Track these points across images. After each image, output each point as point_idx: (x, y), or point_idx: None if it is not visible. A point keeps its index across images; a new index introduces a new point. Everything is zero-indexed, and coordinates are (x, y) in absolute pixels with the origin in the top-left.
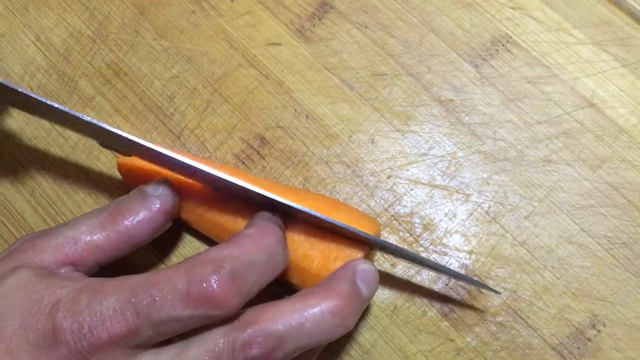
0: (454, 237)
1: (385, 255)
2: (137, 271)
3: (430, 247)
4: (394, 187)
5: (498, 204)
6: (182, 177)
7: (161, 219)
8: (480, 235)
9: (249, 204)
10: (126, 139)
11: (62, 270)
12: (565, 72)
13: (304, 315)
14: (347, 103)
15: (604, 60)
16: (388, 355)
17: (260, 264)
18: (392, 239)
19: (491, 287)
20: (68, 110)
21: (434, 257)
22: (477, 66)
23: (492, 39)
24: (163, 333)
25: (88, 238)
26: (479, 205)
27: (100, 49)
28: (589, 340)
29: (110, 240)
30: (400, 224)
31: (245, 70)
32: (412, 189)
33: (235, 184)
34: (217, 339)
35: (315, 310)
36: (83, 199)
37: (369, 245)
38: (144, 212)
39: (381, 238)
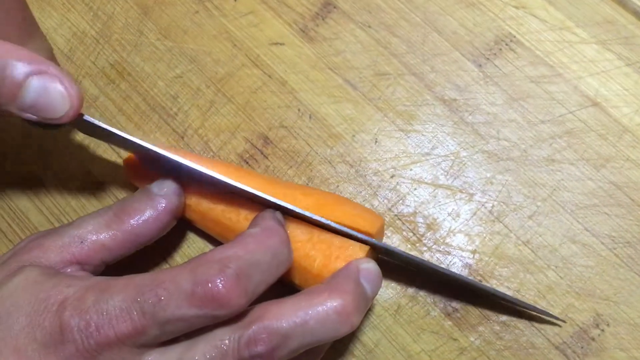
0: (458, 236)
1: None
2: (141, 270)
3: (433, 247)
4: (397, 186)
5: (501, 204)
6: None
7: (167, 218)
8: (484, 235)
9: (253, 203)
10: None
11: (69, 270)
12: (569, 71)
13: (309, 313)
14: (350, 103)
15: (608, 59)
16: (391, 354)
17: (264, 264)
18: (395, 239)
19: (545, 311)
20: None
21: (437, 257)
22: (480, 65)
23: (496, 38)
24: (169, 332)
25: (94, 237)
26: (483, 205)
27: (104, 49)
28: (593, 339)
29: (116, 239)
30: (403, 223)
31: (249, 70)
32: (415, 189)
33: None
34: (222, 336)
35: (320, 308)
36: (87, 199)
37: (370, 246)
38: (149, 211)
39: (384, 236)
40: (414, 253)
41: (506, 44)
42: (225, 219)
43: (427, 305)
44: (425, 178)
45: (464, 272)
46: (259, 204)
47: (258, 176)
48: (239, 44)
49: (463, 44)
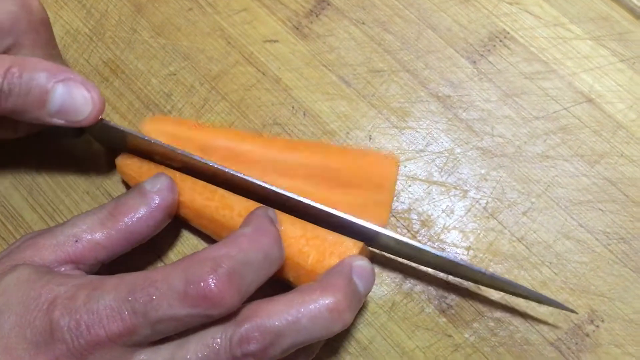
0: (452, 233)
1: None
2: (135, 269)
3: (428, 244)
4: None
5: (496, 200)
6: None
7: (161, 215)
8: (478, 232)
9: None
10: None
11: (63, 269)
12: (563, 68)
13: (301, 311)
14: (344, 100)
15: (602, 55)
16: (386, 351)
17: (257, 263)
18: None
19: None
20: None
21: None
22: (474, 62)
23: (490, 35)
24: (160, 332)
25: (89, 236)
26: (477, 202)
27: (97, 46)
28: (587, 335)
29: (111, 238)
30: (398, 220)
31: (243, 67)
32: (409, 185)
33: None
34: (214, 334)
35: (312, 306)
36: (81, 197)
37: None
38: (143, 209)
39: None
40: None
41: (500, 41)
42: (219, 216)
43: (422, 302)
44: (420, 175)
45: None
46: (254, 198)
47: (267, 140)
48: (233, 42)
49: (457, 41)
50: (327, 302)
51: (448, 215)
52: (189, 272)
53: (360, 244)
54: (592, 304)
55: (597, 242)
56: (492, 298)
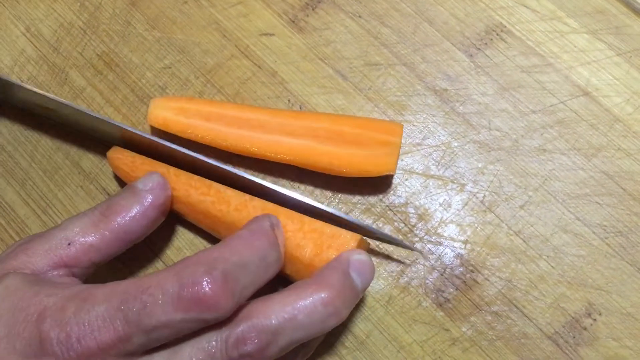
0: (449, 226)
1: (381, 245)
2: (130, 267)
3: (425, 237)
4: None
5: (493, 194)
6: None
7: (154, 213)
8: (476, 225)
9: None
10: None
11: (56, 273)
12: (560, 61)
13: (297, 308)
14: (341, 93)
15: (599, 49)
16: (383, 345)
17: (252, 265)
18: (386, 229)
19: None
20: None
21: (429, 247)
22: (471, 55)
23: (487, 28)
24: (155, 339)
25: (82, 238)
26: (474, 195)
27: (91, 39)
28: (585, 329)
29: (104, 239)
30: (395, 214)
31: (238, 60)
32: (406, 179)
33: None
34: (209, 337)
35: (307, 302)
36: (74, 191)
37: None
38: (136, 208)
39: (376, 225)
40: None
41: (497, 34)
42: (216, 211)
43: (419, 296)
44: (417, 168)
45: (455, 263)
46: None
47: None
48: (229, 35)
49: (454, 34)
50: (321, 296)
51: (445, 209)
52: (182, 276)
53: (358, 236)
54: (589, 297)
55: (595, 236)
56: (490, 292)
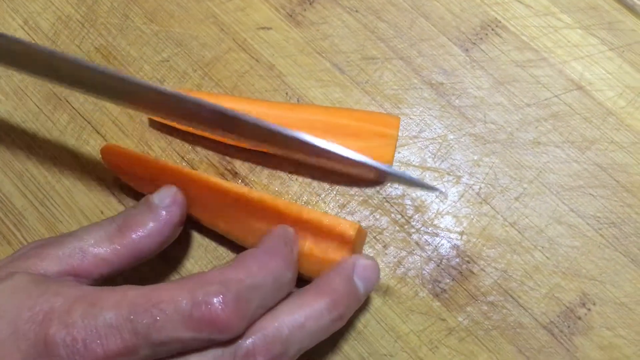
0: (445, 218)
1: (377, 237)
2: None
3: (421, 229)
4: None
5: (489, 186)
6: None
7: (169, 231)
8: (471, 217)
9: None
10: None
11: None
12: (554, 56)
13: (304, 316)
14: (338, 87)
15: (592, 44)
16: (380, 335)
17: (265, 287)
18: (383, 221)
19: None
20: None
21: (425, 239)
22: (467, 50)
23: (482, 23)
24: (161, 352)
25: (95, 250)
26: (470, 187)
27: (89, 33)
28: (579, 318)
29: (118, 254)
30: (392, 205)
31: (236, 54)
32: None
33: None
34: (216, 351)
35: (314, 309)
36: (72, 183)
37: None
38: (151, 225)
39: (373, 217)
40: (402, 235)
41: (492, 29)
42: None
43: (416, 286)
44: (413, 161)
45: (452, 254)
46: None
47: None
48: (226, 28)
49: (450, 29)
50: (327, 302)
51: (441, 201)
52: (195, 294)
53: (356, 225)
54: (583, 288)
55: (588, 227)
56: (486, 282)
